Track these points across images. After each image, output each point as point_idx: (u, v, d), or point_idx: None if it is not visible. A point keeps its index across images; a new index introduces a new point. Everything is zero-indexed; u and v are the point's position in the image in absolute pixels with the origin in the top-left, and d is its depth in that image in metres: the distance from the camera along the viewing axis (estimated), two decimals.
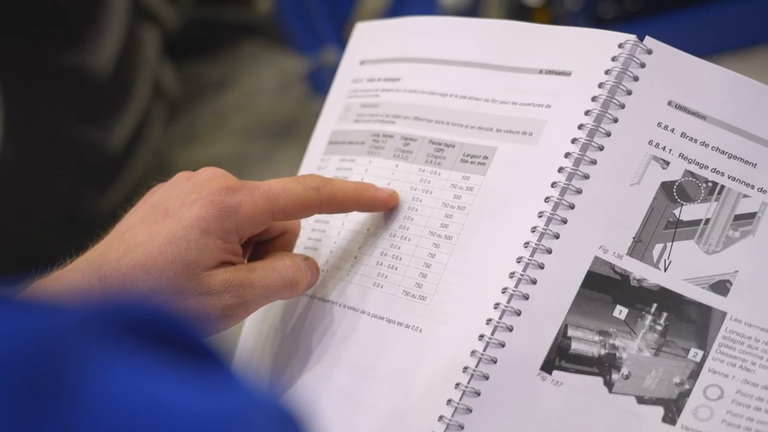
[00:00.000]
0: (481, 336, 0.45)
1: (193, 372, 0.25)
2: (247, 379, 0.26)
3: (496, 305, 0.45)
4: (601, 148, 0.46)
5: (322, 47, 1.83)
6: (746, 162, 0.46)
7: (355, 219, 0.52)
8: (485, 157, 0.49)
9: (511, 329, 0.45)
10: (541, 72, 0.50)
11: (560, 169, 0.46)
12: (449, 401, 0.45)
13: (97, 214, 1.66)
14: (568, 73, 0.49)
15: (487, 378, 0.45)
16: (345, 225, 0.52)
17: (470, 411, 0.45)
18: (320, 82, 1.88)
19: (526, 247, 0.46)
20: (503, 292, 0.45)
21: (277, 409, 0.26)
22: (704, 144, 0.46)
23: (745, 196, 0.45)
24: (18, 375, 0.22)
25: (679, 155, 0.46)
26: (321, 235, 0.54)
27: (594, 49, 0.48)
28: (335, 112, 0.57)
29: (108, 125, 1.68)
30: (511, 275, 0.45)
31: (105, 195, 1.72)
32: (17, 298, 0.24)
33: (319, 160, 0.57)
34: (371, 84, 0.56)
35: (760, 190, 0.45)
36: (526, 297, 0.45)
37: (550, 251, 0.45)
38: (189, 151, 2.09)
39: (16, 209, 1.64)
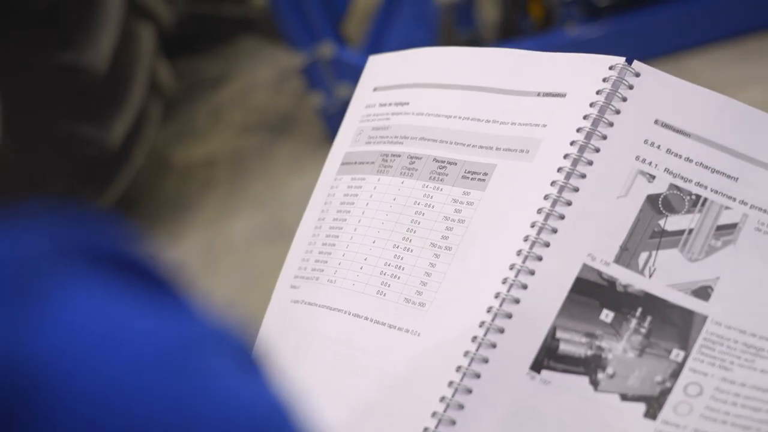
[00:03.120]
0: (474, 338, 0.48)
1: (149, 297, 0.26)
2: (201, 307, 0.27)
3: (489, 309, 0.48)
4: (591, 163, 0.50)
5: (317, 42, 1.83)
6: (728, 176, 0.49)
7: (363, 233, 0.56)
8: (485, 174, 0.53)
9: (502, 331, 0.48)
10: (539, 95, 0.53)
11: (552, 183, 0.50)
12: (442, 398, 0.48)
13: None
14: (563, 95, 0.52)
15: (478, 377, 0.47)
16: (353, 238, 0.56)
17: (462, 407, 0.47)
18: (316, 77, 1.88)
19: (518, 255, 0.49)
20: (496, 297, 0.48)
21: (230, 338, 0.27)
22: (688, 159, 0.49)
23: (727, 207, 0.49)
24: None
25: (665, 170, 0.49)
26: (331, 248, 0.57)
27: (586, 71, 0.52)
28: (349, 135, 0.61)
29: (105, 123, 1.69)
30: (504, 281, 0.48)
31: (102, 192, 1.73)
32: None
33: (332, 180, 0.60)
34: (382, 108, 0.60)
35: (741, 202, 0.49)
36: (517, 301, 0.48)
37: (540, 258, 0.48)
38: (186, 147, 2.09)
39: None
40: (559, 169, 0.50)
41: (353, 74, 1.83)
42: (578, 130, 0.50)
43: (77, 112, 1.67)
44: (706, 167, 0.49)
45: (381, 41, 1.96)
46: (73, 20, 1.64)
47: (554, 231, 0.49)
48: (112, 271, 0.26)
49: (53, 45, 1.63)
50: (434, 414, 0.48)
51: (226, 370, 0.26)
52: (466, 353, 0.48)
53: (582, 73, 0.52)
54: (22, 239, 0.26)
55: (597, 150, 0.50)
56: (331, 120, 1.85)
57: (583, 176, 0.49)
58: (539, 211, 0.49)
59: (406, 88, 0.60)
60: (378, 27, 1.99)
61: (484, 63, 0.57)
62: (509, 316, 0.48)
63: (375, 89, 0.61)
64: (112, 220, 0.28)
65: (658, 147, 0.49)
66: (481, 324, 0.48)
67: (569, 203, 0.49)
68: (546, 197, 0.49)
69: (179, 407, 0.25)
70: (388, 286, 0.53)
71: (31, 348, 0.24)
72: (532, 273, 0.48)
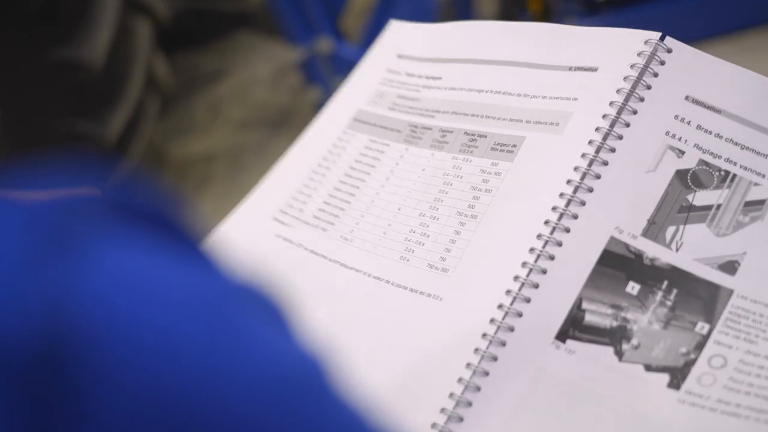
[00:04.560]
0: (500, 305, 0.49)
1: (180, 252, 0.27)
2: (227, 262, 0.27)
3: (516, 278, 0.49)
4: (621, 138, 0.50)
5: (315, 37, 1.83)
6: (758, 153, 0.49)
7: (386, 198, 0.57)
8: (514, 146, 0.54)
9: (528, 300, 0.48)
10: (570, 69, 0.54)
11: (582, 155, 0.50)
12: (468, 365, 0.48)
13: None
14: (595, 69, 0.53)
15: (504, 345, 0.48)
16: (375, 202, 0.57)
17: (487, 374, 0.48)
18: (314, 72, 1.88)
19: (546, 224, 0.49)
20: (523, 266, 0.49)
21: (259, 292, 0.28)
22: (718, 136, 0.50)
23: (756, 184, 0.49)
24: (22, 239, 0.24)
25: (694, 145, 0.50)
26: (345, 205, 0.58)
27: (620, 46, 0.53)
28: (364, 94, 0.62)
29: (102, 118, 1.68)
30: (531, 251, 0.49)
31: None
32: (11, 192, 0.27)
33: (340, 132, 0.61)
34: (411, 79, 0.61)
35: None
36: (544, 272, 0.49)
37: (568, 230, 0.49)
38: (184, 143, 2.09)
39: None
40: (590, 142, 0.51)
41: (351, 69, 1.83)
42: (610, 104, 0.51)
43: (74, 108, 1.67)
44: (736, 144, 0.50)
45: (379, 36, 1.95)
46: (69, 16, 1.64)
47: (582, 203, 0.49)
48: (144, 226, 0.26)
49: (49, 41, 1.62)
50: (460, 380, 0.48)
51: (260, 324, 0.27)
52: (492, 320, 0.48)
53: (616, 48, 0.53)
54: (56, 194, 0.26)
55: (627, 125, 0.50)
56: None
57: (613, 150, 0.50)
58: (568, 182, 0.50)
59: (439, 62, 0.60)
60: (376, 22, 1.98)
61: (516, 37, 0.57)
62: (536, 286, 0.48)
63: (400, 56, 0.62)
64: (138, 178, 0.28)
65: (689, 123, 0.50)
66: (508, 292, 0.49)
67: (598, 176, 0.50)
68: (575, 169, 0.50)
69: (222, 359, 0.25)
70: (412, 252, 0.53)
71: (76, 298, 0.24)
72: (559, 244, 0.49)
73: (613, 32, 0.54)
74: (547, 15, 1.91)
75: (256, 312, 0.27)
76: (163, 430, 0.24)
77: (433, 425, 0.47)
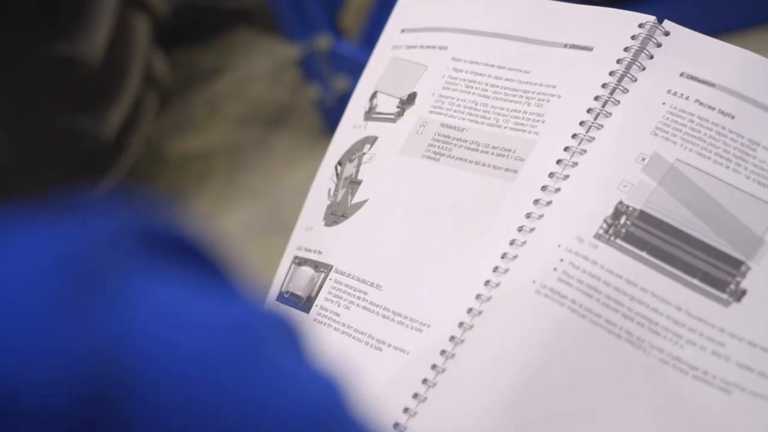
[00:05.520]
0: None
1: (208, 281, 0.27)
2: (250, 290, 0.28)
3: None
4: (609, 115, 0.51)
5: (314, 34, 1.83)
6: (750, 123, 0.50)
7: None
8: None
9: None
10: (565, 46, 0.54)
11: (581, 122, 0.51)
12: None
13: None
14: (590, 48, 0.53)
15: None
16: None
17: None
18: (313, 69, 1.87)
19: (535, 204, 0.52)
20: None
21: (284, 322, 0.29)
22: (711, 108, 0.50)
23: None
24: (59, 283, 0.24)
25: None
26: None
27: (616, 27, 0.53)
28: (376, 74, 0.61)
29: (100, 114, 1.68)
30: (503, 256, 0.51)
31: (98, 184, 1.71)
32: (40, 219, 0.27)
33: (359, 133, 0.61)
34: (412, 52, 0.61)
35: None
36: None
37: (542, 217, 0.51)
38: (182, 139, 2.08)
39: (9, 201, 1.64)
40: (581, 124, 0.51)
41: (350, 66, 1.83)
42: (603, 86, 0.51)
43: (72, 104, 1.67)
44: (731, 116, 0.50)
45: (378, 33, 1.94)
46: (67, 11, 1.63)
47: (566, 177, 0.50)
48: (172, 256, 0.27)
49: (47, 36, 1.62)
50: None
51: (286, 353, 0.28)
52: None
53: (611, 29, 0.53)
54: (79, 232, 0.26)
55: (617, 102, 0.51)
56: (328, 112, 1.84)
57: (600, 127, 0.51)
58: (558, 162, 0.51)
59: (438, 31, 0.60)
60: (375, 19, 1.98)
61: (515, 11, 0.57)
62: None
63: (403, 31, 0.62)
64: (154, 205, 0.28)
65: (682, 95, 0.50)
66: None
67: (584, 152, 0.51)
68: (574, 136, 0.51)
69: (257, 390, 0.26)
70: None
71: (122, 340, 0.24)
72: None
73: (608, 12, 0.54)
74: None
75: (281, 340, 0.28)
76: None
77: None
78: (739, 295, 0.46)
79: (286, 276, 0.56)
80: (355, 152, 0.57)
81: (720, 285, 0.47)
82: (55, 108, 1.66)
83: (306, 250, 0.56)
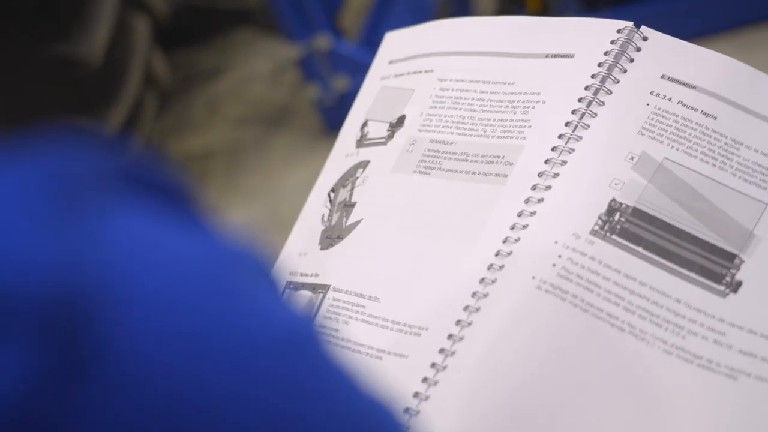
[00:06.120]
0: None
1: (182, 219, 0.28)
2: (224, 228, 0.29)
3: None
4: (595, 115, 0.52)
5: (314, 34, 1.83)
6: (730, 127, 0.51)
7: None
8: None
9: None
10: (547, 56, 0.55)
11: (567, 122, 0.53)
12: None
13: None
14: (571, 56, 0.54)
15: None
16: None
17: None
18: (313, 69, 1.88)
19: (519, 216, 0.52)
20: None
21: (255, 258, 0.30)
22: (693, 109, 0.51)
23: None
24: (39, 198, 0.26)
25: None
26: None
27: (596, 34, 0.54)
28: (366, 105, 0.63)
29: (100, 115, 1.68)
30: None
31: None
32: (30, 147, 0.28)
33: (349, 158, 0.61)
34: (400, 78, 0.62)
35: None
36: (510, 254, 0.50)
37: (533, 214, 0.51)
38: (182, 139, 2.09)
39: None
40: (567, 124, 0.52)
41: (349, 66, 1.83)
42: (586, 88, 0.53)
43: (72, 105, 1.67)
44: (713, 117, 0.51)
45: (377, 33, 1.94)
46: (67, 12, 1.63)
47: (555, 175, 0.51)
48: (148, 194, 0.28)
49: (48, 37, 1.62)
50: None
51: (259, 288, 0.28)
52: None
53: (591, 36, 0.55)
54: (60, 159, 0.28)
55: (602, 104, 0.52)
56: (328, 112, 1.84)
57: (587, 127, 0.52)
58: (546, 162, 0.52)
59: (424, 57, 0.62)
60: (374, 19, 1.98)
61: (496, 30, 0.59)
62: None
63: (390, 62, 0.63)
64: (126, 144, 0.30)
65: (664, 97, 0.52)
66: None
67: (572, 150, 0.52)
68: (560, 136, 0.53)
69: (226, 322, 0.26)
70: None
71: (93, 257, 0.25)
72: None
73: (586, 21, 0.56)
74: (545, 12, 1.90)
75: (254, 275, 0.29)
76: (165, 377, 0.25)
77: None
78: (735, 286, 0.47)
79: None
80: (349, 178, 0.58)
81: (716, 277, 0.47)
82: (55, 108, 1.66)
83: (301, 275, 0.57)
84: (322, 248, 0.56)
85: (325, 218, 0.58)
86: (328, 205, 0.58)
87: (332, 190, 0.58)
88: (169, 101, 2.16)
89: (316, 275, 0.55)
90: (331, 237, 0.56)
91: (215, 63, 2.32)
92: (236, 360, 0.26)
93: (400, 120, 0.58)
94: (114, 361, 0.24)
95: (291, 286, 0.56)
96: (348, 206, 0.56)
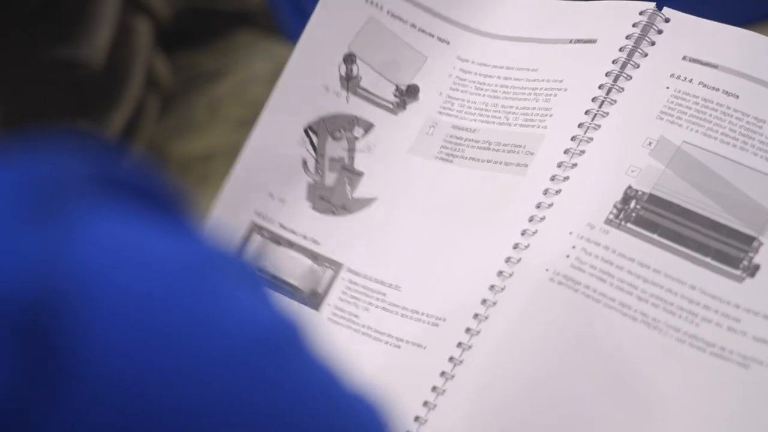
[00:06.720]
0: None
1: (161, 220, 0.29)
2: (206, 230, 0.30)
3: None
4: (614, 102, 0.53)
5: None
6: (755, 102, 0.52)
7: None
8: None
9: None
10: (570, 41, 0.57)
11: (586, 111, 0.53)
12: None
13: None
14: (594, 41, 0.56)
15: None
16: None
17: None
18: None
19: (545, 194, 0.53)
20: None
21: (236, 259, 0.30)
22: (715, 89, 0.52)
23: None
24: (17, 199, 0.26)
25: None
26: None
27: (617, 17, 0.56)
28: (346, 28, 0.65)
29: (102, 117, 1.68)
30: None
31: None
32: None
33: None
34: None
35: None
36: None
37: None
38: (183, 141, 2.08)
39: None
40: (587, 112, 0.53)
41: None
42: (607, 74, 0.54)
43: (74, 107, 1.67)
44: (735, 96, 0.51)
45: None
46: (69, 14, 1.63)
47: (573, 166, 0.51)
48: (125, 195, 0.28)
49: (49, 39, 1.62)
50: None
51: (239, 289, 0.28)
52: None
53: (612, 19, 0.56)
54: (39, 163, 0.28)
55: (621, 90, 0.53)
56: None
57: (606, 115, 0.53)
58: (565, 151, 0.52)
59: (438, 19, 0.62)
60: None
61: (519, 12, 0.59)
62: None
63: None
64: (116, 148, 0.30)
65: (685, 78, 0.53)
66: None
67: (591, 140, 0.52)
68: (580, 125, 0.53)
69: (201, 321, 0.27)
70: None
71: (66, 259, 0.26)
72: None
73: (607, 4, 0.56)
74: None
75: (235, 277, 0.29)
76: (145, 375, 0.25)
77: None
78: (752, 270, 0.47)
79: (246, 243, 0.55)
80: (340, 129, 0.56)
81: (733, 262, 0.47)
82: (56, 111, 1.66)
83: (283, 227, 0.55)
84: (315, 209, 0.55)
85: (311, 168, 0.56)
86: (311, 150, 0.57)
87: (312, 130, 0.56)
88: (171, 103, 2.15)
89: (315, 242, 0.55)
90: (329, 202, 0.55)
91: (216, 65, 2.32)
92: (212, 359, 0.26)
93: (413, 90, 0.57)
94: (88, 362, 0.25)
95: (264, 233, 0.54)
96: (351, 173, 0.55)
